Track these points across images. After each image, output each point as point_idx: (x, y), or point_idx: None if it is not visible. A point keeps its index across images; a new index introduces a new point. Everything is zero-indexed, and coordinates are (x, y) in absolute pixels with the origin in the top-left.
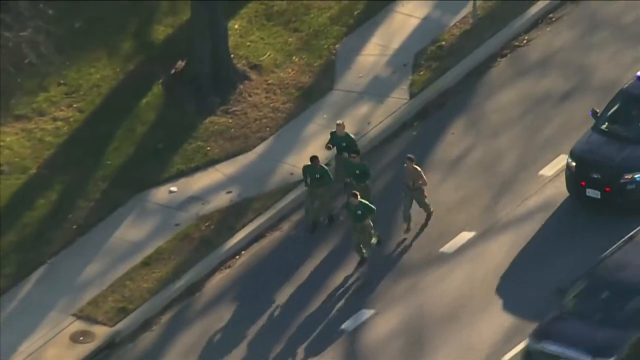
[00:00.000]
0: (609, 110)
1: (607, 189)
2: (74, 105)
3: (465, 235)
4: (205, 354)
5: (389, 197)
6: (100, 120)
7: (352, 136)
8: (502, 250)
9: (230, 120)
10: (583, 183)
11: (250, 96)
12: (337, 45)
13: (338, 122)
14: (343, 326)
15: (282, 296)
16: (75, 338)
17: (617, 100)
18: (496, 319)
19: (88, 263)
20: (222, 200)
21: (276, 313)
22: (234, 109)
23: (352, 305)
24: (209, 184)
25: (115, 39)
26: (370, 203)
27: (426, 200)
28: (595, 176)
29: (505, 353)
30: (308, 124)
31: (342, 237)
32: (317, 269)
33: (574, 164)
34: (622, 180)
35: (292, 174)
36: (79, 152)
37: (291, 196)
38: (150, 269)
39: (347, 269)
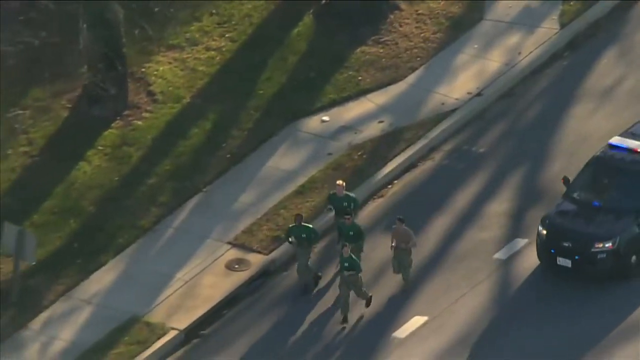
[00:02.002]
0: (581, 178)
1: (578, 258)
2: (226, 35)
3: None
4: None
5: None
6: (252, 50)
7: (352, 195)
8: None
9: (381, 50)
10: (554, 251)
11: (400, 26)
12: None
13: (338, 182)
14: (496, 255)
15: (434, 226)
16: (230, 266)
17: (589, 168)
18: None
19: (242, 192)
20: (374, 129)
21: (428, 242)
22: (385, 38)
23: (505, 234)
24: (361, 113)
25: None
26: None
27: (411, 264)
28: (566, 245)
29: None
30: (458, 54)
31: (493, 168)
32: (469, 198)
33: (544, 232)
34: (592, 249)
35: (443, 103)
36: (232, 82)
37: (443, 126)
38: (303, 197)
39: (499, 199)
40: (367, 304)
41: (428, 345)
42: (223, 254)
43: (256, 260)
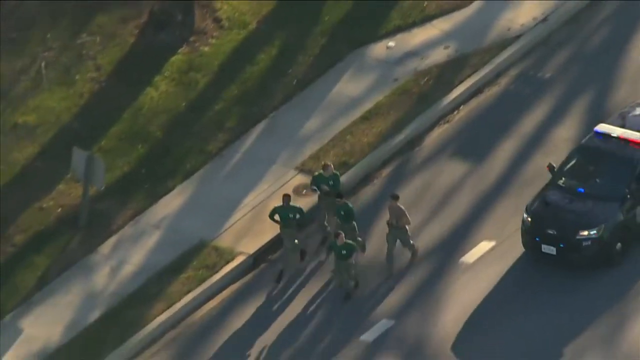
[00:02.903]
0: (566, 166)
1: (563, 245)
2: None
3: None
4: (426, 207)
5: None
6: None
7: (337, 173)
8: None
9: None
10: (538, 239)
11: None
12: None
13: (326, 162)
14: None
15: (500, 151)
16: (298, 191)
17: (574, 156)
18: None
19: (308, 117)
20: (439, 55)
21: (495, 167)
22: None
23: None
24: (426, 39)
25: None
26: (356, 242)
27: (410, 239)
28: (551, 232)
29: None
30: None
31: (558, 94)
32: (535, 124)
33: (529, 219)
34: (577, 237)
35: (509, 29)
36: (298, 8)
37: (508, 52)
38: (369, 123)
39: (565, 125)
40: (356, 286)
41: (494, 269)
42: (290, 180)
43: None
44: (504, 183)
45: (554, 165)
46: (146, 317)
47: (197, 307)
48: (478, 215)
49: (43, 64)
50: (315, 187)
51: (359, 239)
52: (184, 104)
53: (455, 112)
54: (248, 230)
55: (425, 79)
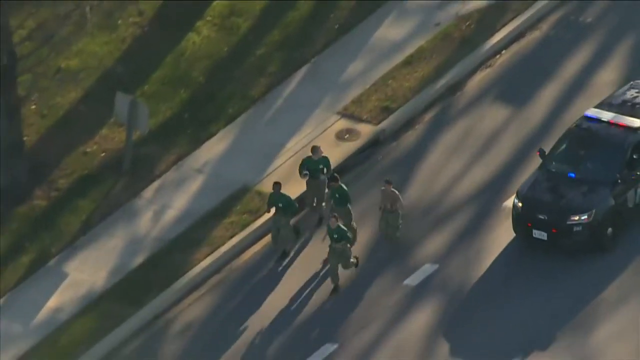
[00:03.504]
0: (557, 150)
1: (554, 230)
2: None
3: None
4: (468, 151)
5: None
6: None
7: (326, 156)
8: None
9: None
10: (529, 224)
11: None
12: None
13: (316, 145)
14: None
15: (543, 95)
16: (340, 136)
17: (565, 140)
18: None
19: (350, 62)
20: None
21: (538, 111)
22: None
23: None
24: None
25: None
26: (351, 226)
27: (400, 225)
28: (542, 217)
29: None
30: None
31: (600, 38)
32: (577, 68)
33: (520, 204)
34: (568, 222)
35: None
36: None
37: None
38: (411, 68)
39: (607, 68)
40: (354, 265)
41: None
42: (332, 124)
43: (365, 130)
44: (546, 127)
45: (545, 150)
46: (190, 262)
47: (240, 251)
48: (520, 160)
49: (88, 9)
50: (306, 172)
51: (354, 224)
52: (225, 48)
53: (496, 57)
54: (290, 175)
55: (467, 24)
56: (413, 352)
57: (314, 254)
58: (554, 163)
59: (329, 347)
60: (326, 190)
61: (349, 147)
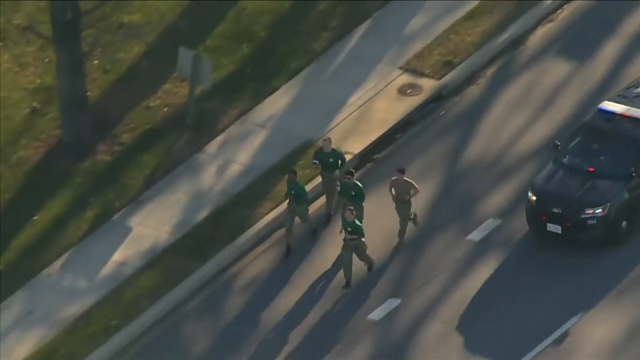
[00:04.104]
0: (571, 143)
1: (568, 224)
2: None
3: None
4: (530, 106)
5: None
6: None
7: (339, 151)
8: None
9: None
10: (544, 218)
11: None
12: None
13: (325, 137)
14: None
15: (605, 52)
16: (402, 90)
17: (579, 133)
18: None
19: (412, 16)
20: None
21: (600, 67)
22: None
23: None
24: None
25: None
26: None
27: (411, 214)
28: (556, 211)
29: None
30: None
31: None
32: None
33: (534, 197)
34: (583, 215)
35: None
36: None
37: None
38: (474, 22)
39: None
40: (370, 269)
41: None
42: (395, 79)
43: (428, 85)
44: (609, 83)
45: (558, 143)
46: (254, 216)
47: None
48: (582, 114)
49: None
50: (316, 161)
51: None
52: (287, 3)
53: (559, 11)
54: (353, 130)
55: None
56: (475, 308)
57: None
58: (567, 156)
59: (393, 302)
60: (337, 184)
61: (412, 102)
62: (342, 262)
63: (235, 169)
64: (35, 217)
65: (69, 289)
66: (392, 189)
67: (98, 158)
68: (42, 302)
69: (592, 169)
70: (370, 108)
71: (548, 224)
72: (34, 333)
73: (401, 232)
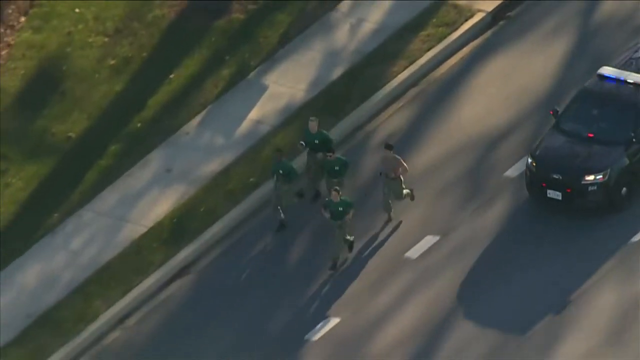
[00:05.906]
0: (570, 110)
1: (568, 190)
2: None
3: None
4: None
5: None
6: None
7: (326, 132)
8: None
9: None
10: (544, 184)
11: None
12: None
13: (311, 118)
14: None
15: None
16: None
17: (578, 99)
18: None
19: None
20: None
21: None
22: None
23: None
24: None
25: None
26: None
27: (404, 190)
28: (556, 177)
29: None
30: None
31: None
32: None
33: (534, 164)
34: (583, 182)
35: None
36: None
37: None
38: None
39: None
40: (350, 250)
41: None
42: None
43: None
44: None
45: (558, 109)
46: (388, 75)
47: (437, 64)
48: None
49: None
50: (302, 142)
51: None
52: None
53: None
54: None
55: None
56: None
57: None
58: (567, 123)
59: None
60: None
61: None
62: (332, 243)
63: (368, 27)
64: (172, 76)
65: (206, 146)
66: (384, 166)
67: (233, 16)
68: (180, 160)
69: (591, 135)
70: None
71: (548, 191)
72: (174, 190)
73: (387, 207)
